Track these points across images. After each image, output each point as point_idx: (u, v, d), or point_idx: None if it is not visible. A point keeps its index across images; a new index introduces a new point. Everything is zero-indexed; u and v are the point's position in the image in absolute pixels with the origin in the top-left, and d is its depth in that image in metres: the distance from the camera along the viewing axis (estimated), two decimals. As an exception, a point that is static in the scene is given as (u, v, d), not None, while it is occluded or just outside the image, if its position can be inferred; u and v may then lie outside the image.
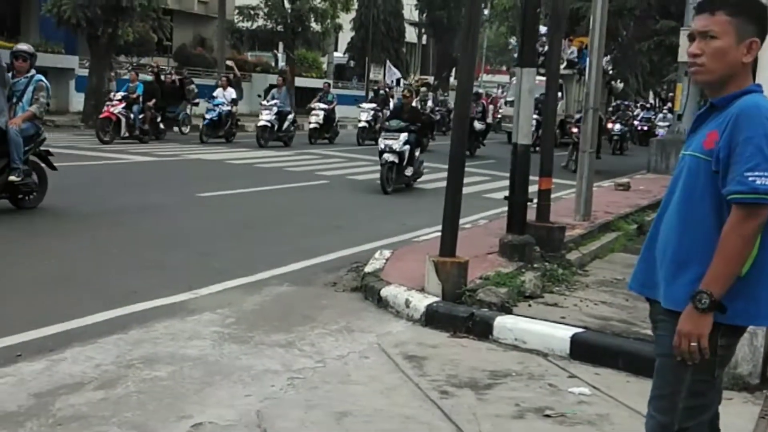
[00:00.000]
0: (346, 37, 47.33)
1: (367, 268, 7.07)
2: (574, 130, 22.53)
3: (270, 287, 6.70)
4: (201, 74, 30.95)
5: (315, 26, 35.42)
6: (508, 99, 28.40)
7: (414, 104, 15.64)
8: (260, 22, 35.57)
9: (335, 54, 46.33)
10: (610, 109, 29.73)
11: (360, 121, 23.84)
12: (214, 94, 21.63)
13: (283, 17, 34.09)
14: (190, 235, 8.74)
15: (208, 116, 20.90)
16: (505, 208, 7.95)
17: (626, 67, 23.54)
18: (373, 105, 24.83)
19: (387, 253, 7.64)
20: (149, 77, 21.73)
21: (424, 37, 50.62)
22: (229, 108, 21.21)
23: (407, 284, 6.38)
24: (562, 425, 4.20)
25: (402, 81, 36.22)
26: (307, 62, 39.66)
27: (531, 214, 8.03)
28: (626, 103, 33.11)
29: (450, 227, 6.42)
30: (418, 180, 14.28)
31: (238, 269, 7.16)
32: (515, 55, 29.04)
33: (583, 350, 5.26)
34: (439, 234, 6.55)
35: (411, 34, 51.01)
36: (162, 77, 22.04)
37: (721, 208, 2.50)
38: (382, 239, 8.94)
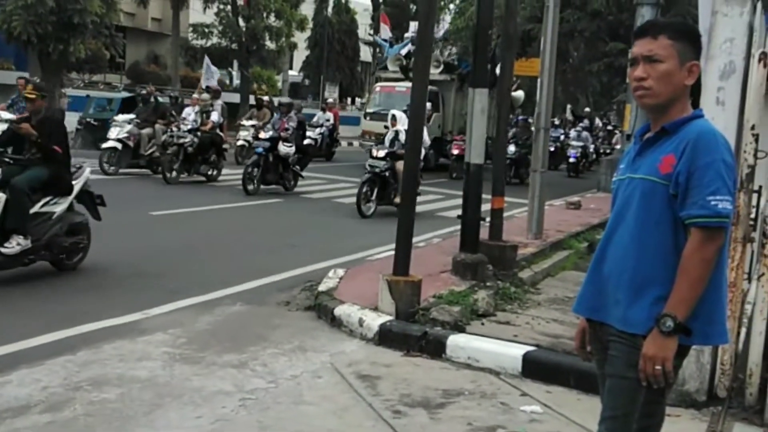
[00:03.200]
0: (301, 55, 47.48)
1: (321, 287, 7.05)
2: (455, 151, 20.16)
3: (222, 307, 6.64)
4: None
5: (270, 44, 35.54)
6: (368, 111, 24.71)
7: (48, 112, 7.50)
8: (215, 39, 35.56)
9: (290, 72, 46.41)
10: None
11: None
12: None
13: (238, 35, 34.14)
14: (143, 254, 8.63)
15: None
16: (458, 227, 8.01)
17: (577, 87, 23.83)
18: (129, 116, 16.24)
19: (340, 272, 7.63)
20: None
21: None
22: None
23: (360, 303, 6.38)
24: (514, 443, 4.23)
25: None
26: (262, 80, 39.62)
27: (484, 233, 8.11)
28: (524, 117, 23.70)
29: (403, 246, 6.44)
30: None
31: (191, 289, 7.10)
32: (388, 65, 25.18)
33: (535, 368, 5.31)
34: (393, 253, 6.57)
35: (366, 53, 51.28)
36: None
37: (677, 231, 2.53)
38: (336, 258, 8.93)
